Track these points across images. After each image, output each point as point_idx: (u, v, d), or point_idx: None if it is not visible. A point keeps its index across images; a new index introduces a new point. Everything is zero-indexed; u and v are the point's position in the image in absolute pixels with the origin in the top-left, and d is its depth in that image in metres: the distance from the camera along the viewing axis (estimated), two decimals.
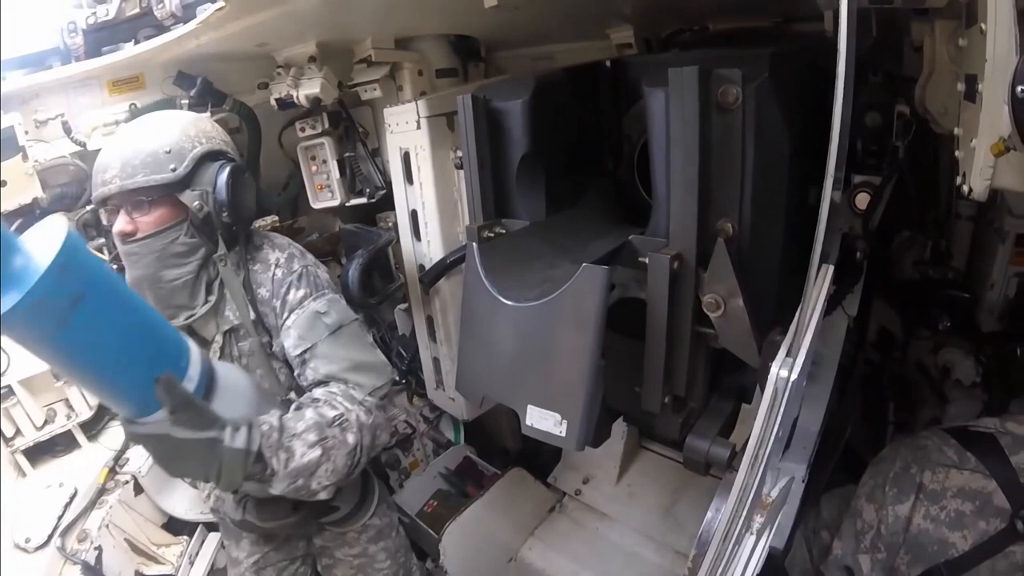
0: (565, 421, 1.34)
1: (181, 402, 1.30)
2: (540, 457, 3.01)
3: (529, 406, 1.38)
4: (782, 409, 1.14)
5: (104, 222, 1.94)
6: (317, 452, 1.58)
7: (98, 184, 1.78)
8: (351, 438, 1.67)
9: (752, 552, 1.22)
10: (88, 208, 2.39)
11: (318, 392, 1.76)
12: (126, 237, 1.79)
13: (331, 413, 1.66)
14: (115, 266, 2.04)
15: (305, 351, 1.81)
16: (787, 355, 1.17)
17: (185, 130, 1.84)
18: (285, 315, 1.85)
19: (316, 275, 1.92)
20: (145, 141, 1.79)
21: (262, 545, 2.19)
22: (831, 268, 1.21)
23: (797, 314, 1.20)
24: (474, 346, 1.55)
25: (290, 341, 1.82)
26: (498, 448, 3.16)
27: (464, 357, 1.59)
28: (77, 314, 1.14)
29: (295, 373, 1.85)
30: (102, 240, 2.42)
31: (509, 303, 1.37)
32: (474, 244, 1.48)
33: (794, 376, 1.13)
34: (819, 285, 1.19)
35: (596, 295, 1.26)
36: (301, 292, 1.86)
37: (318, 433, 1.60)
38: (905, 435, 2.09)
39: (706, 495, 2.47)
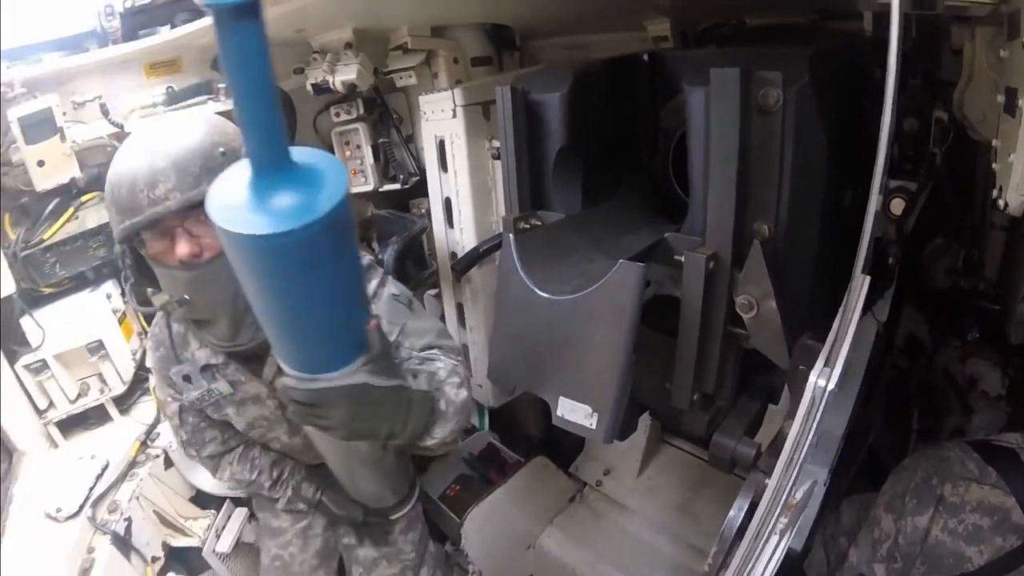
0: (596, 414, 1.37)
1: (384, 349, 1.29)
2: (562, 446, 3.02)
3: (561, 397, 1.41)
4: (818, 417, 1.16)
5: (144, 250, 1.62)
6: (465, 392, 1.60)
7: (144, 204, 1.49)
8: (467, 385, 1.66)
9: (773, 552, 1.24)
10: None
11: (422, 354, 1.71)
12: (193, 260, 1.55)
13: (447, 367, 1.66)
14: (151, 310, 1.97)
15: (398, 334, 1.73)
16: (825, 365, 1.18)
17: (222, 128, 1.64)
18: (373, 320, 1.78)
19: (372, 263, 1.91)
20: (192, 144, 1.54)
21: (306, 514, 2.25)
22: (868, 279, 1.20)
23: (836, 324, 1.21)
24: (508, 336, 1.57)
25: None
26: (521, 435, 3.18)
27: (497, 346, 1.62)
28: (341, 249, 1.10)
29: None
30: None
31: (545, 295, 1.39)
32: (510, 235, 1.49)
33: (831, 386, 1.14)
34: (857, 296, 1.19)
35: (632, 291, 1.27)
36: (374, 282, 1.80)
37: (458, 377, 1.62)
38: (928, 445, 2.08)
39: (725, 493, 2.49)
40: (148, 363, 2.04)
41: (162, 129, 1.61)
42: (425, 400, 1.47)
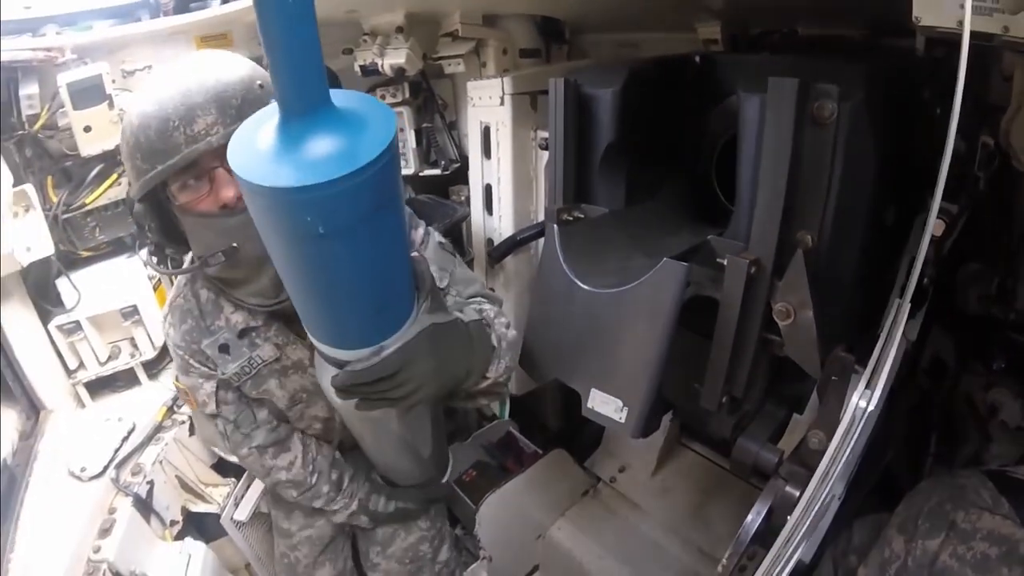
0: (626, 408, 1.39)
1: (433, 283, 1.25)
2: (578, 440, 3.03)
3: (593, 389, 1.43)
4: (856, 435, 1.19)
5: (174, 202, 1.45)
6: (513, 332, 1.56)
7: (180, 142, 1.33)
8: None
9: (788, 560, 1.25)
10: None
11: (468, 301, 1.62)
12: (238, 204, 1.39)
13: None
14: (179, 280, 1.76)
15: (448, 282, 1.65)
16: (866, 387, 1.21)
17: (252, 63, 1.49)
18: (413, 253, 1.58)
19: (411, 213, 1.75)
20: (228, 76, 1.39)
21: (316, 517, 2.14)
22: (909, 305, 1.22)
23: (879, 347, 1.22)
24: (544, 324, 1.60)
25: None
26: (539, 425, 3.20)
27: (532, 335, 1.64)
28: (390, 202, 0.99)
29: None
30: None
31: (586, 288, 1.41)
32: (554, 226, 1.51)
33: (871, 407, 1.18)
34: (901, 321, 1.20)
35: (673, 290, 1.29)
36: (420, 229, 1.72)
37: (504, 318, 1.58)
38: (944, 470, 2.09)
39: (738, 500, 2.51)
40: (172, 341, 1.75)
41: (187, 66, 1.42)
42: (481, 329, 1.41)
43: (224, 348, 1.69)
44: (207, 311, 1.70)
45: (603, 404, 1.42)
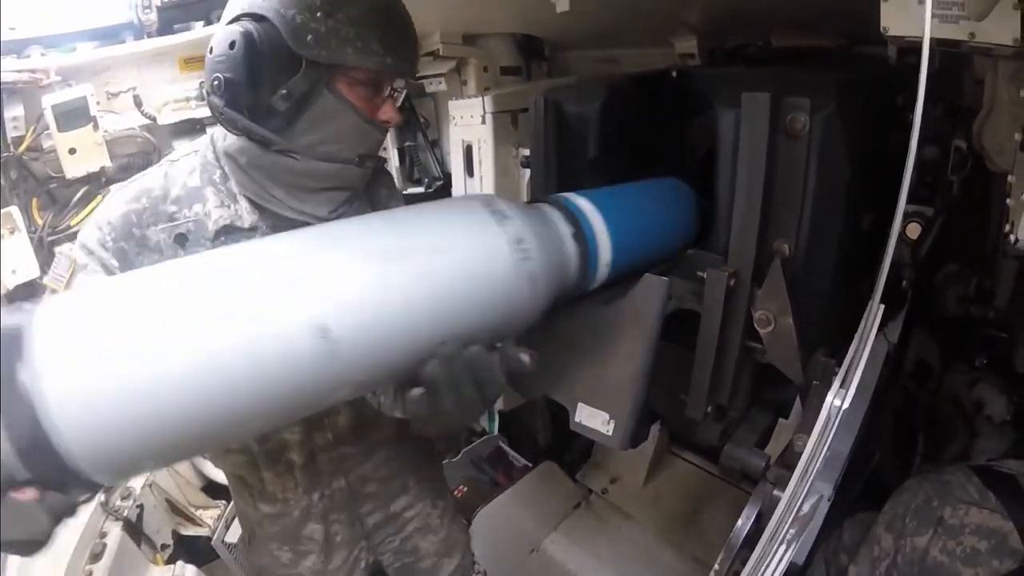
0: (613, 421, 1.39)
1: None
2: (568, 452, 3.05)
3: (580, 404, 1.43)
4: (832, 433, 1.21)
5: (344, 90, 1.38)
6: None
7: (407, 53, 1.43)
8: None
9: (780, 561, 1.27)
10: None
11: None
12: (386, 126, 1.53)
13: None
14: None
15: None
16: (840, 386, 1.23)
17: None
18: None
19: None
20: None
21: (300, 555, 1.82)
22: (883, 307, 1.24)
23: (852, 348, 1.25)
24: (530, 341, 1.60)
25: None
26: (528, 439, 3.22)
27: None
28: None
29: None
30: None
31: (571, 305, 1.42)
32: None
33: (845, 405, 1.19)
34: (873, 322, 1.23)
35: (656, 304, 1.30)
36: None
37: None
38: (930, 468, 2.10)
39: (730, 506, 2.53)
40: (102, 215, 1.39)
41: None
42: None
43: (181, 239, 1.40)
44: (178, 197, 1.44)
45: (590, 418, 1.42)
